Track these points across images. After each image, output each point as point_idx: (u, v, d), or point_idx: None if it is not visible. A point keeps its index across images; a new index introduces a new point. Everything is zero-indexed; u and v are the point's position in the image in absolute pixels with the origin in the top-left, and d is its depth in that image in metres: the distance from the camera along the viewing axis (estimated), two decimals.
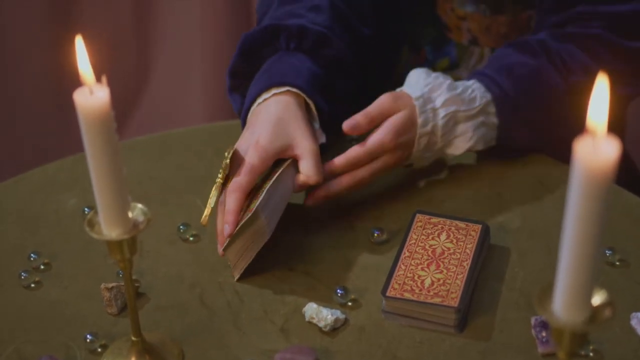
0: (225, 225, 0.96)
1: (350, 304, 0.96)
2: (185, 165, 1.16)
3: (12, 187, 1.14)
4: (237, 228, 0.95)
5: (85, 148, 0.76)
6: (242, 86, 1.13)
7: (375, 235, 1.03)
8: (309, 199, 1.04)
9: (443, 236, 1.00)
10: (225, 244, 0.96)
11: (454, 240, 0.99)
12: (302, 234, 1.04)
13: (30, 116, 2.15)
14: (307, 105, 1.07)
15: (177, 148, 1.19)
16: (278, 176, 0.99)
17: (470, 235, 0.99)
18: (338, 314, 0.93)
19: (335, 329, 0.93)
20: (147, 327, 0.92)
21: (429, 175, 1.12)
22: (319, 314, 0.93)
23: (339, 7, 1.18)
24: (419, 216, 1.02)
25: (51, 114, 2.14)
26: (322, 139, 1.07)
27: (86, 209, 1.08)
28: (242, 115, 1.09)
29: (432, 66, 1.32)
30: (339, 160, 1.03)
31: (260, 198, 0.96)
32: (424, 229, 1.00)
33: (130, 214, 0.80)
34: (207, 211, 0.98)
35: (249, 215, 0.95)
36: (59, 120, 2.13)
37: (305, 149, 1.02)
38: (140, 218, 0.81)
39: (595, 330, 0.69)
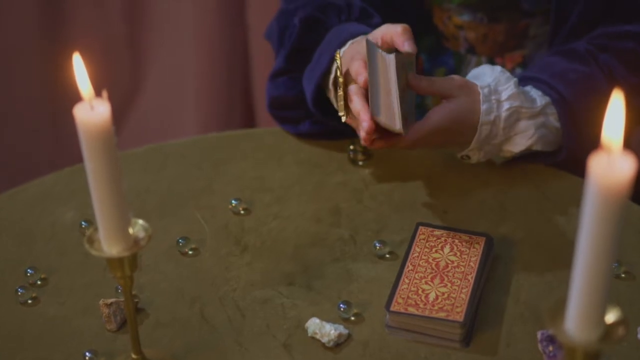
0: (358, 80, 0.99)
1: (353, 318, 0.94)
2: (183, 178, 1.14)
3: (7, 200, 1.12)
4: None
5: (86, 164, 0.74)
6: (293, 70, 1.16)
7: (378, 247, 1.02)
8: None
9: (447, 249, 0.98)
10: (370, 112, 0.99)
11: (458, 253, 0.98)
12: (304, 247, 1.03)
13: (22, 128, 2.13)
14: None
15: (174, 160, 1.18)
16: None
17: (474, 247, 0.98)
18: (341, 329, 0.92)
19: (338, 344, 0.92)
20: (146, 344, 0.90)
21: (431, 184, 1.11)
22: (322, 329, 0.92)
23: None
24: (421, 228, 1.01)
25: (44, 126, 2.12)
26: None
27: (83, 222, 1.06)
28: (317, 79, 1.10)
29: (429, 75, 1.32)
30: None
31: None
32: (427, 242, 0.99)
33: (131, 230, 0.79)
34: (340, 106, 1.02)
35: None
36: (52, 132, 2.11)
37: (387, 26, 1.04)
38: (141, 234, 0.79)
39: (607, 348, 0.68)
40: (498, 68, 1.07)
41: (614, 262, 0.64)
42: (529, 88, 1.10)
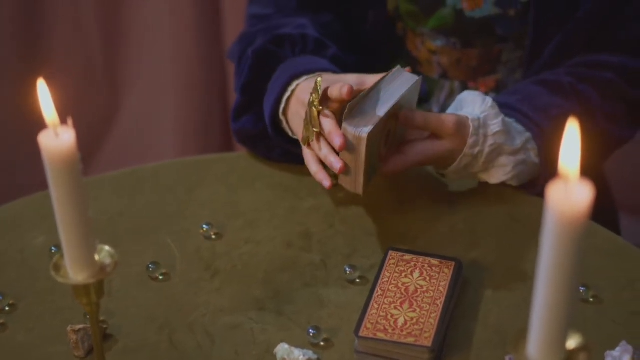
0: (336, 138, 0.97)
1: (322, 343, 0.94)
2: (155, 202, 1.14)
3: None
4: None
5: (51, 191, 0.75)
6: (253, 104, 1.16)
7: (348, 272, 1.02)
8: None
9: (416, 274, 0.99)
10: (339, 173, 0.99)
11: (427, 278, 0.98)
12: (275, 272, 1.03)
13: None
14: None
15: (148, 184, 1.18)
16: (368, 90, 1.01)
17: (443, 272, 0.99)
18: (310, 354, 0.92)
19: None
20: None
21: (402, 209, 1.11)
22: (291, 354, 0.92)
23: (320, 32, 1.22)
24: (391, 253, 1.01)
25: (17, 151, 2.11)
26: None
27: (53, 247, 1.06)
28: (271, 107, 1.10)
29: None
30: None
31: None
32: (397, 267, 0.99)
33: (97, 257, 0.78)
34: (305, 139, 1.02)
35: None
36: (25, 156, 2.10)
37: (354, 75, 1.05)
38: (108, 261, 0.79)
39: None
40: (489, 101, 1.08)
41: (574, 288, 0.64)
42: (511, 121, 1.11)
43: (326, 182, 1.01)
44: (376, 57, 1.31)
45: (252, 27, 1.26)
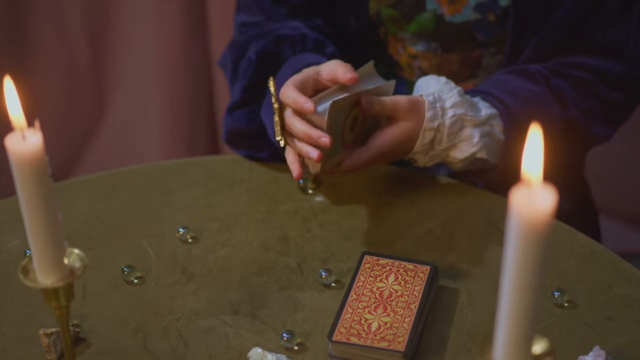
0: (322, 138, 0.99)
1: (296, 347, 0.94)
2: (133, 205, 1.14)
3: None
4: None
5: (18, 194, 0.74)
6: (250, 103, 1.17)
7: (323, 276, 1.02)
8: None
9: (391, 278, 0.98)
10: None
11: (402, 282, 0.98)
12: (250, 276, 1.03)
13: None
14: None
15: (126, 187, 1.17)
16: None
17: (418, 277, 0.98)
18: (284, 358, 0.92)
19: None
20: None
21: (380, 213, 1.11)
22: (264, 358, 0.92)
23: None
24: (367, 257, 1.01)
25: None
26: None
27: (28, 251, 1.05)
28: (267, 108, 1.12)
29: None
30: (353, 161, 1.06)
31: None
32: (372, 271, 0.99)
33: (66, 260, 0.78)
34: (277, 132, 1.03)
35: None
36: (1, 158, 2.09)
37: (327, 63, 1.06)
38: (77, 264, 0.79)
39: None
40: (442, 79, 1.09)
41: (539, 293, 0.64)
42: (476, 99, 1.11)
43: (295, 172, 1.03)
44: (358, 62, 1.30)
45: (242, 35, 1.26)
